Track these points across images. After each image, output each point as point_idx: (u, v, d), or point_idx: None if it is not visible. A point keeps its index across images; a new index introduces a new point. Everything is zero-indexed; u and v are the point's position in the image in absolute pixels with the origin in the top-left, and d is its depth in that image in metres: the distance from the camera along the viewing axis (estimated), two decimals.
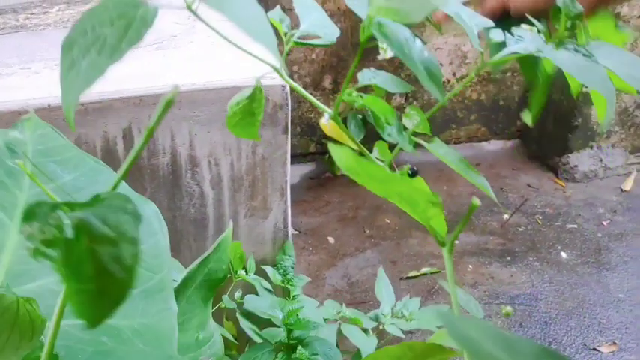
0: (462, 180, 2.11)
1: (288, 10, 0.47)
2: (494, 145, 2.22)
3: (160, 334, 0.52)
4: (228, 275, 0.92)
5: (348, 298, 1.62)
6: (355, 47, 1.96)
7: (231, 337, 0.79)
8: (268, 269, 0.97)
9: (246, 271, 0.91)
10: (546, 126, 2.13)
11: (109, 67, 0.26)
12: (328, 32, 0.44)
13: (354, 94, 0.47)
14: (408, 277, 1.69)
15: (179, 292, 0.65)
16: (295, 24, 0.46)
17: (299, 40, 0.45)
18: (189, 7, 0.35)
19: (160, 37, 0.94)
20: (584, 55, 0.34)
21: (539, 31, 0.39)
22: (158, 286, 0.54)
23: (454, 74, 2.10)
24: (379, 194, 0.41)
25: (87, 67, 0.28)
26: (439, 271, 1.71)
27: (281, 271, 1.01)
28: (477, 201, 0.36)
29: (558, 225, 1.91)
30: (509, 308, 0.45)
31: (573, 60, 0.34)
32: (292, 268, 1.04)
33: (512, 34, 0.39)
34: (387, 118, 0.48)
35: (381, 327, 1.06)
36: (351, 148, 0.43)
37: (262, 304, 0.78)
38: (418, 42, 0.38)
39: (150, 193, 0.86)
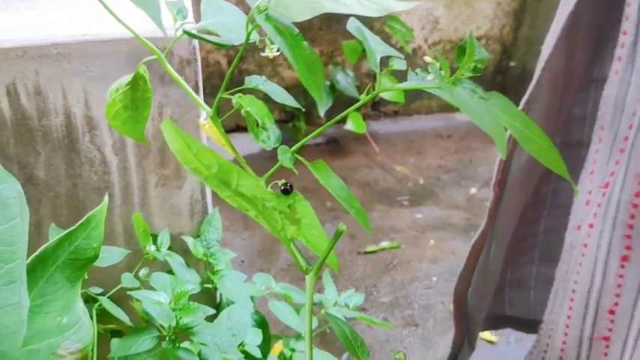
0: (430, 152, 2.03)
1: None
2: (467, 116, 2.13)
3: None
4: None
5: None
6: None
7: (127, 321, 0.71)
8: (189, 240, 0.89)
9: (157, 247, 0.82)
10: (521, 97, 2.04)
11: None
12: (231, 36, 0.42)
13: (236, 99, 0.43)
14: (366, 252, 1.62)
15: (34, 270, 0.57)
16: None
17: (190, 31, 0.42)
18: None
19: None
20: (480, 97, 0.34)
21: (441, 67, 0.37)
22: (6, 277, 0.48)
23: (425, 40, 2.00)
24: (224, 197, 0.34)
25: None
26: (399, 246, 1.64)
27: (204, 243, 0.93)
28: (343, 227, 0.34)
29: None
30: (401, 355, 0.39)
31: (471, 100, 0.34)
32: (218, 241, 0.96)
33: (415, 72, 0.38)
34: (263, 122, 0.42)
35: (322, 312, 0.98)
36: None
37: (162, 282, 0.70)
38: (305, 43, 0.36)
39: (45, 158, 0.77)
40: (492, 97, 0.35)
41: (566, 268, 0.44)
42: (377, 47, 0.37)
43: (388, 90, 0.35)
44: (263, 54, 0.39)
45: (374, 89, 0.40)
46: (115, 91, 0.46)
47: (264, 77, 0.41)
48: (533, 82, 0.48)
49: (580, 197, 0.43)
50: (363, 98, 0.36)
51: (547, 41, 0.46)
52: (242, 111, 0.38)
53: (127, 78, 0.43)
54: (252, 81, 0.40)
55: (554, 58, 0.46)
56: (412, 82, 0.35)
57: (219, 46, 0.42)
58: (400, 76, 0.38)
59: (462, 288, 0.59)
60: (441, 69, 0.33)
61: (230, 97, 0.40)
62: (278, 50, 0.38)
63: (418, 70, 0.36)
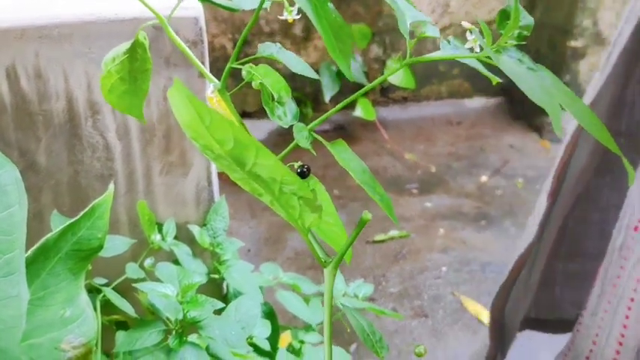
0: (440, 139, 2.00)
1: None
2: (477, 102, 2.09)
3: None
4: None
5: (309, 262, 1.52)
6: None
7: (132, 312, 0.69)
8: (195, 229, 0.86)
9: (162, 236, 0.79)
10: None
11: None
12: (241, 1, 0.38)
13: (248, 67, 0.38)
14: (374, 241, 1.59)
15: (36, 262, 0.55)
16: None
17: None
18: None
19: None
20: (529, 67, 0.31)
21: (482, 34, 0.34)
22: (4, 269, 0.45)
23: (435, 24, 1.95)
24: (235, 179, 0.30)
25: None
26: (408, 235, 1.61)
27: (211, 232, 0.90)
28: (368, 215, 0.30)
29: (539, 189, 1.80)
30: (422, 348, 0.36)
31: (519, 70, 0.30)
32: (224, 230, 0.93)
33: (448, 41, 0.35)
34: (280, 95, 0.38)
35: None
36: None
37: (169, 273, 0.68)
38: (331, 5, 0.33)
39: (46, 144, 0.74)
40: (539, 69, 0.31)
41: (616, 271, 0.41)
42: (406, 12, 0.33)
43: (422, 60, 0.31)
44: (281, 17, 0.35)
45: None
46: (111, 61, 0.41)
47: (278, 45, 0.37)
48: (607, 73, 0.44)
49: (637, 194, 0.40)
50: (392, 67, 0.32)
51: (620, 31, 0.42)
52: (254, 83, 0.34)
53: (125, 46, 0.39)
54: (266, 49, 0.36)
55: (628, 48, 0.42)
56: (446, 52, 0.31)
57: (230, 10, 0.39)
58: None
59: (501, 302, 0.56)
60: (483, 36, 0.30)
61: (240, 66, 0.36)
62: (298, 13, 0.35)
63: (451, 37, 0.32)
